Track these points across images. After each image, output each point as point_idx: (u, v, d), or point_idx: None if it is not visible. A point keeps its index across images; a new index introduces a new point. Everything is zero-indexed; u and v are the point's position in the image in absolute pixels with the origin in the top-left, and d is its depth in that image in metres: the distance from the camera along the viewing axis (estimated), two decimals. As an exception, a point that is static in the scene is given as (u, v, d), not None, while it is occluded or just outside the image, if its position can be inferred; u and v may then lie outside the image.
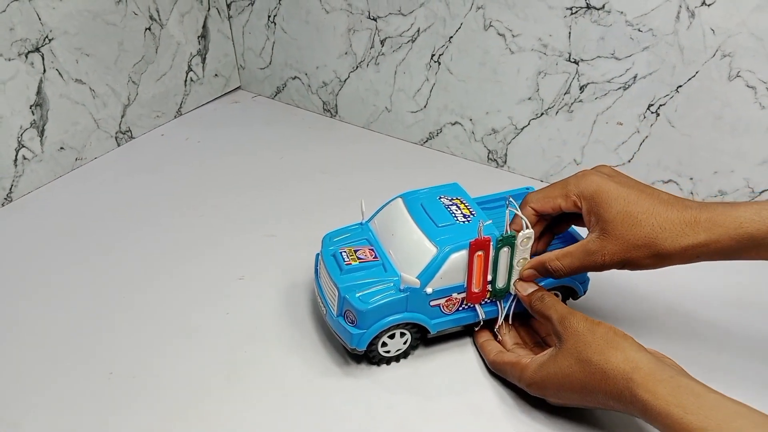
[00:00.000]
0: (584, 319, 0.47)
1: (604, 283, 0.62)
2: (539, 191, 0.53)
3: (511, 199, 0.51)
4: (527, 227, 0.51)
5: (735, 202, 0.46)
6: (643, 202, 0.47)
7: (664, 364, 0.43)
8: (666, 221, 0.46)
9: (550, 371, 0.47)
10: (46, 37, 0.75)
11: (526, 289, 0.52)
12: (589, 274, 0.57)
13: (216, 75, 0.97)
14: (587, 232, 0.50)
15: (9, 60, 0.72)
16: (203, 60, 0.94)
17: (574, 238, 0.57)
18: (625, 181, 0.50)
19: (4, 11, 0.70)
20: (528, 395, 0.51)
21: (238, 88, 1.01)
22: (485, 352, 0.54)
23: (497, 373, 0.53)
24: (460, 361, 0.55)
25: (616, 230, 0.47)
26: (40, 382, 0.54)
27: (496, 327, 0.55)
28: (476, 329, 0.56)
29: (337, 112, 0.93)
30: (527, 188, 0.61)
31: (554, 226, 0.55)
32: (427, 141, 0.86)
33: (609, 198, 0.48)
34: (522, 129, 0.77)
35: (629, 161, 0.72)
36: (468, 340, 0.57)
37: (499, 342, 0.55)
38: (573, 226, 0.57)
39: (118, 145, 0.87)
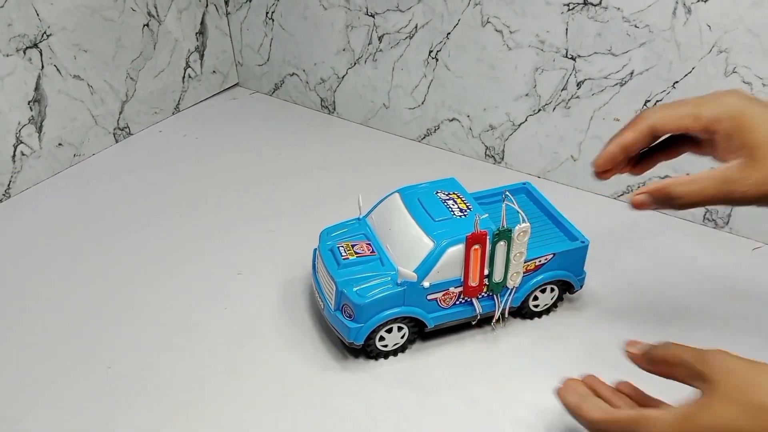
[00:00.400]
0: (733, 356, 0.37)
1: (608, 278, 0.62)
2: (664, 107, 0.46)
3: (508, 193, 0.52)
4: (524, 221, 0.51)
5: None
6: None
7: None
8: None
9: (701, 423, 0.36)
10: (44, 32, 0.75)
11: (637, 348, 0.42)
12: (590, 266, 0.57)
13: (214, 72, 0.97)
14: (717, 163, 0.44)
15: (7, 56, 0.72)
16: (201, 56, 0.94)
17: (572, 236, 0.57)
18: (763, 101, 0.43)
19: (2, 7, 0.70)
20: (526, 389, 0.51)
21: (236, 84, 1.02)
22: (585, 413, 0.42)
23: None
24: (458, 355, 0.55)
25: (767, 156, 0.40)
26: (39, 379, 0.54)
27: (494, 321, 0.55)
28: (559, 388, 0.46)
29: (334, 109, 0.93)
30: (524, 183, 0.62)
31: (656, 152, 0.48)
32: (424, 137, 0.86)
33: (755, 120, 0.41)
34: (519, 125, 0.78)
35: (626, 157, 0.72)
36: (465, 335, 0.57)
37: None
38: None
39: (116, 142, 0.87)
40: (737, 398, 0.35)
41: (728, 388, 0.36)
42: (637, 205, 0.46)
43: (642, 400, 0.44)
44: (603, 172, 0.49)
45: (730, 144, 0.42)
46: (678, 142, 0.48)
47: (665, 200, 0.44)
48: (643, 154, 0.49)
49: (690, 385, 0.38)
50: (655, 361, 0.41)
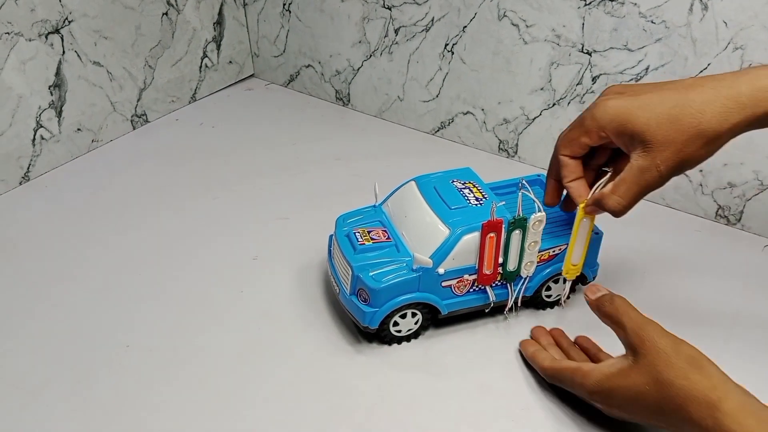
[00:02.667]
0: (665, 334, 0.43)
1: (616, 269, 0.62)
2: (562, 138, 0.50)
3: (524, 182, 0.52)
4: (539, 210, 0.52)
5: None
6: (669, 97, 0.44)
7: (751, 395, 0.40)
8: (704, 104, 0.42)
9: (619, 384, 0.44)
10: (66, 18, 0.76)
11: (595, 293, 0.48)
12: (600, 260, 0.58)
13: (230, 62, 0.98)
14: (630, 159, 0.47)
15: (30, 40, 0.73)
16: (218, 47, 0.95)
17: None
18: (640, 88, 0.46)
19: (25, -8, 0.71)
20: (536, 376, 0.52)
21: (252, 75, 1.03)
22: (538, 361, 0.51)
23: (553, 382, 0.50)
24: (470, 342, 0.56)
25: (657, 136, 0.44)
26: (58, 353, 0.55)
27: (506, 309, 0.56)
28: (522, 341, 0.54)
29: (349, 101, 0.94)
30: (539, 175, 0.62)
31: (609, 159, 0.52)
32: (438, 130, 0.87)
33: (632, 112, 0.45)
34: (533, 119, 0.78)
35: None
36: (477, 322, 0.58)
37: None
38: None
39: (134, 129, 0.88)
40: (652, 372, 0.42)
41: (648, 362, 0.42)
42: (589, 213, 0.51)
43: (594, 353, 0.52)
44: (564, 204, 0.56)
45: (624, 141, 0.46)
46: (603, 150, 0.51)
47: (604, 210, 0.49)
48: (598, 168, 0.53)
49: (624, 345, 0.45)
50: (604, 313, 0.47)
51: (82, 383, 0.53)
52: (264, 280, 0.63)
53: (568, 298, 0.59)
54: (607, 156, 0.52)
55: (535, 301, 0.58)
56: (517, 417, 0.50)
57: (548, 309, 0.59)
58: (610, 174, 0.50)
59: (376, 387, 0.52)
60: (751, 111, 0.42)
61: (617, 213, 0.48)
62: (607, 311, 0.46)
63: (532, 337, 0.56)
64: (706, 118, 0.43)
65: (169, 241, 0.69)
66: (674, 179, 0.70)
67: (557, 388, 0.51)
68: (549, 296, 0.58)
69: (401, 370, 0.54)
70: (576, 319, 0.58)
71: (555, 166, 0.52)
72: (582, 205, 0.51)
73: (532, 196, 0.52)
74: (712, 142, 0.43)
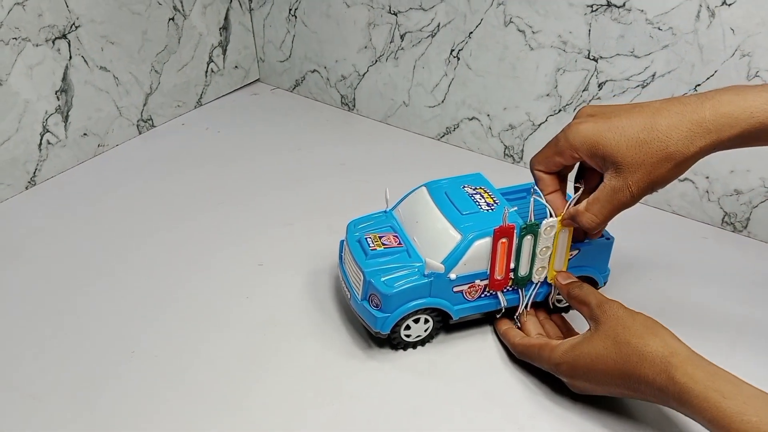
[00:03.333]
0: (623, 307, 0.48)
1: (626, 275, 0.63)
2: (538, 155, 0.52)
3: (536, 187, 0.52)
4: (551, 216, 0.52)
5: (739, 88, 0.45)
6: (637, 121, 0.46)
7: (699, 354, 0.43)
8: (670, 128, 0.45)
9: (583, 351, 0.47)
10: (73, 24, 0.76)
11: (566, 279, 0.53)
12: (611, 265, 0.58)
13: (236, 67, 0.98)
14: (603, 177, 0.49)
15: (37, 45, 0.73)
16: (224, 51, 0.95)
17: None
18: (611, 110, 0.48)
19: (33, -3, 0.71)
20: (544, 382, 0.52)
21: (257, 80, 1.03)
22: (509, 338, 0.54)
23: (522, 357, 0.53)
24: (480, 349, 0.56)
25: (627, 159, 0.46)
26: (64, 359, 0.55)
27: (517, 314, 0.56)
28: (497, 318, 0.57)
29: (354, 106, 0.94)
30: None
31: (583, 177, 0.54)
32: (444, 136, 0.87)
33: (602, 135, 0.47)
34: (539, 125, 0.78)
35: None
36: (488, 329, 0.58)
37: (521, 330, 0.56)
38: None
39: (140, 133, 0.88)
40: (611, 335, 0.46)
41: (608, 328, 0.46)
42: (565, 226, 0.53)
43: (566, 330, 0.56)
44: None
45: (596, 161, 0.48)
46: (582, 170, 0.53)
47: (579, 225, 0.51)
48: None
49: (588, 322, 0.49)
50: (572, 296, 0.52)
51: (88, 389, 0.53)
52: (270, 285, 0.63)
53: None
54: (589, 182, 0.54)
55: (546, 307, 0.58)
56: (523, 425, 0.50)
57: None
58: (582, 190, 0.51)
59: (386, 392, 0.52)
60: (715, 136, 0.44)
61: (591, 229, 0.51)
62: (575, 294, 0.51)
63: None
64: (673, 142, 0.45)
65: (174, 246, 0.69)
66: (680, 186, 0.71)
67: (566, 397, 0.51)
68: (560, 301, 0.58)
69: (410, 376, 0.54)
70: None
71: (537, 181, 0.54)
72: (559, 218, 0.52)
73: (544, 201, 0.52)
74: (680, 164, 0.46)
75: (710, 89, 0.46)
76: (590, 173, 0.52)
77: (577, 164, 0.53)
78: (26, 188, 0.77)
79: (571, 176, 0.55)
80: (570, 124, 0.50)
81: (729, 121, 0.44)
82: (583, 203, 0.50)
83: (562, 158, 0.50)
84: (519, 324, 0.56)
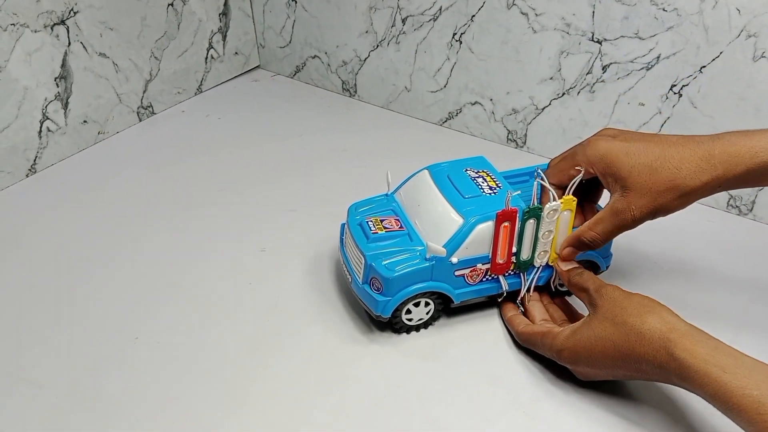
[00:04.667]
0: (619, 289, 0.48)
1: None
2: (552, 168, 0.54)
3: (539, 171, 0.52)
4: (554, 199, 0.51)
5: (748, 131, 0.47)
6: (652, 150, 0.48)
7: (699, 329, 0.43)
8: (681, 161, 0.47)
9: (583, 335, 0.47)
10: (72, 9, 0.75)
11: (566, 266, 0.54)
12: (612, 250, 0.58)
13: (236, 53, 0.97)
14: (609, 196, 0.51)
15: (35, 32, 0.72)
16: (224, 38, 0.94)
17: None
18: (630, 136, 0.51)
19: (31, -18, 0.70)
20: (548, 367, 0.52)
21: (258, 66, 1.02)
22: (513, 325, 0.54)
23: (526, 345, 0.53)
24: (482, 332, 0.56)
25: (636, 183, 0.48)
26: (67, 346, 0.55)
27: (519, 299, 0.56)
28: (502, 302, 0.56)
29: (356, 92, 0.93)
30: (551, 164, 0.62)
31: (586, 195, 0.56)
32: (446, 121, 0.86)
33: (619, 156, 0.49)
34: (543, 109, 0.78)
35: (650, 142, 0.72)
36: (490, 312, 0.57)
37: (525, 316, 0.55)
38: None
39: (140, 120, 0.88)
40: (609, 317, 0.46)
41: (606, 310, 0.47)
42: (565, 258, 0.54)
43: (570, 313, 0.56)
44: None
45: (607, 180, 0.50)
46: (591, 188, 0.55)
47: (583, 246, 0.53)
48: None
49: (587, 307, 0.50)
50: (572, 283, 0.52)
51: (92, 376, 0.52)
52: (272, 271, 0.63)
53: None
54: (594, 200, 0.57)
55: (548, 291, 0.57)
56: (528, 408, 0.50)
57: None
58: (582, 172, 0.52)
59: (388, 377, 0.52)
60: (721, 172, 0.46)
61: (594, 247, 0.53)
62: (575, 281, 0.52)
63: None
64: (681, 174, 0.47)
65: (175, 232, 0.68)
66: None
67: (568, 380, 0.51)
68: (562, 285, 0.57)
69: (413, 360, 0.53)
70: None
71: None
72: (562, 201, 0.52)
73: (547, 185, 0.52)
74: (685, 195, 0.48)
75: (723, 131, 0.48)
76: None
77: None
78: (26, 176, 0.77)
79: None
80: (590, 139, 0.52)
81: (735, 159, 0.46)
82: (587, 223, 0.52)
83: (575, 173, 0.52)
84: (523, 309, 0.56)
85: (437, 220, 0.52)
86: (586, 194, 0.55)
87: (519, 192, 0.52)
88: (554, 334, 0.50)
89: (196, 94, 0.94)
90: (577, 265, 0.54)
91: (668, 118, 0.70)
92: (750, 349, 0.41)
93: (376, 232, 0.53)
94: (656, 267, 0.63)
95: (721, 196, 0.70)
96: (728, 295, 0.60)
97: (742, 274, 0.62)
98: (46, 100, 0.76)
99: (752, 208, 0.69)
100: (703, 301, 0.59)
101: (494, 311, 0.58)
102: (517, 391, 0.51)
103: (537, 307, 0.56)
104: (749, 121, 0.65)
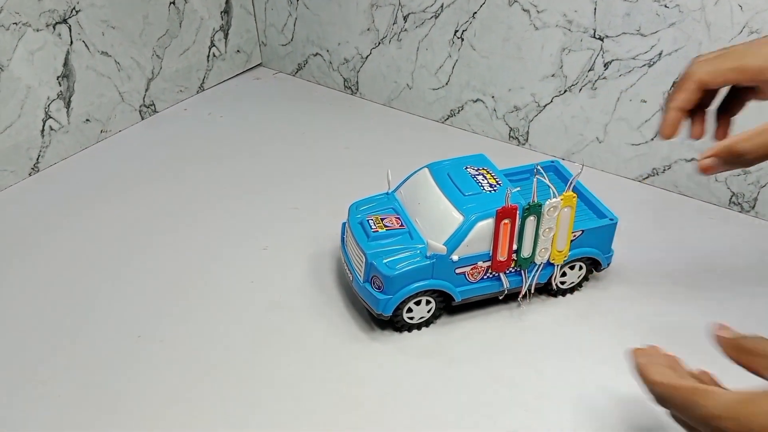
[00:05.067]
0: None
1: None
2: (710, 60, 0.48)
3: (539, 168, 0.52)
4: (555, 196, 0.51)
5: None
6: None
7: None
8: None
9: (764, 408, 0.35)
10: (74, 8, 0.75)
11: (729, 333, 0.40)
12: (613, 246, 0.57)
13: (238, 51, 0.98)
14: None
15: (37, 30, 0.73)
16: (226, 36, 0.95)
17: (601, 214, 0.57)
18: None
19: (33, -18, 0.71)
20: (549, 366, 0.52)
21: (260, 64, 1.02)
22: (648, 373, 0.41)
23: (662, 401, 0.40)
24: (484, 331, 0.56)
25: None
26: (70, 344, 0.55)
27: (520, 297, 0.56)
28: (634, 348, 0.44)
29: (358, 89, 0.93)
30: (552, 161, 0.62)
31: (724, 110, 0.51)
32: (448, 118, 0.86)
33: None
34: (545, 106, 0.78)
35: (652, 139, 0.72)
36: (491, 310, 0.57)
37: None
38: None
39: (142, 119, 0.88)
40: None
41: None
42: (705, 170, 0.45)
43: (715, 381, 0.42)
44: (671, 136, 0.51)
45: None
46: (738, 93, 0.50)
47: (732, 159, 0.44)
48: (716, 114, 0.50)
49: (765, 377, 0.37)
50: (743, 349, 0.39)
51: (95, 373, 0.53)
52: (274, 269, 0.63)
53: (581, 285, 0.59)
54: (734, 111, 0.51)
55: (549, 288, 0.57)
56: (530, 405, 0.50)
57: (561, 297, 0.59)
58: (581, 170, 0.50)
59: (389, 375, 0.52)
60: None
61: (741, 162, 0.44)
62: (749, 344, 0.39)
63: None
64: None
65: (178, 231, 0.69)
66: (686, 166, 0.70)
67: (570, 378, 0.51)
68: (564, 282, 0.57)
69: (414, 358, 0.53)
70: (588, 307, 0.58)
71: (681, 92, 0.49)
72: (562, 197, 0.51)
73: (547, 181, 0.52)
74: None
75: None
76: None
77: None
78: (29, 174, 0.77)
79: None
80: (756, 41, 0.47)
81: None
82: (743, 133, 0.44)
83: (738, 76, 0.47)
84: (522, 305, 0.56)
85: (438, 217, 0.52)
86: (724, 109, 0.51)
87: (519, 189, 0.52)
88: (712, 393, 0.37)
89: (198, 92, 0.94)
90: (737, 332, 0.40)
91: (698, 57, 0.69)
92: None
93: (377, 231, 0.53)
94: (657, 264, 0.63)
95: (724, 194, 0.70)
96: (730, 293, 0.60)
97: (743, 271, 0.62)
98: (48, 98, 0.76)
99: (754, 206, 0.69)
100: (704, 299, 0.59)
101: (495, 309, 0.58)
102: (520, 387, 0.51)
103: (664, 370, 0.42)
104: (752, 117, 0.65)
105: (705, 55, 0.49)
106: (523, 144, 0.81)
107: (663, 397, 0.40)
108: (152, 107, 0.89)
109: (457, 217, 0.51)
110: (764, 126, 0.43)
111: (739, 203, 0.70)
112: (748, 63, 0.46)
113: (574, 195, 0.52)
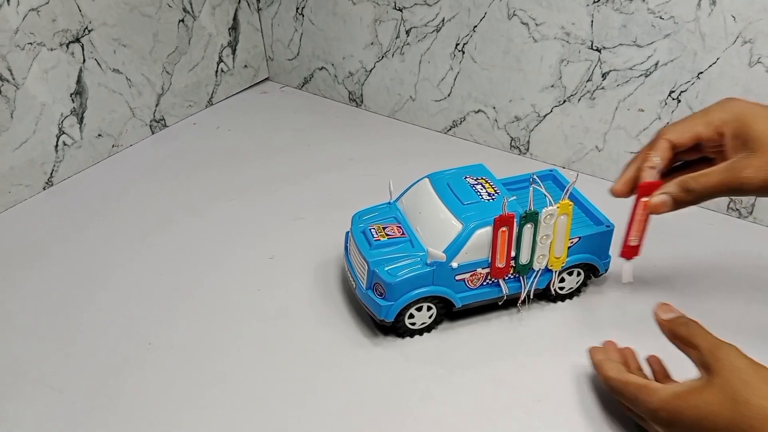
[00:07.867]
0: (743, 355, 0.41)
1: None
2: (677, 123, 0.51)
3: (535, 177, 0.53)
4: (551, 204, 0.52)
5: None
6: None
7: None
8: None
9: (690, 403, 0.40)
10: (86, 28, 0.78)
11: (667, 314, 0.46)
12: (610, 252, 0.59)
13: (245, 66, 1.00)
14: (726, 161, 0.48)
15: (51, 50, 0.75)
16: (233, 51, 0.97)
17: (598, 221, 0.58)
18: (760, 106, 0.48)
19: (47, 3, 0.73)
20: (549, 369, 0.53)
21: (267, 79, 1.04)
22: (604, 370, 0.48)
23: (614, 394, 0.47)
24: (483, 335, 0.57)
25: (765, 147, 0.45)
26: (84, 352, 0.57)
27: (519, 302, 0.57)
28: (592, 347, 0.52)
29: (362, 102, 0.95)
30: (551, 170, 0.63)
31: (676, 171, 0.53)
32: (450, 129, 0.88)
33: (756, 118, 0.47)
34: (545, 116, 0.79)
35: (650, 147, 0.73)
36: (491, 315, 0.59)
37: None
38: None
39: (153, 133, 0.90)
40: (728, 391, 0.39)
41: (724, 381, 0.39)
42: (656, 207, 0.50)
43: (661, 378, 0.49)
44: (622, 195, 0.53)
45: (735, 143, 0.47)
46: (693, 162, 0.52)
47: (681, 192, 0.49)
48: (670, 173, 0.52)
49: (697, 368, 0.42)
50: (676, 335, 0.45)
51: (107, 380, 0.54)
52: (280, 278, 0.65)
53: (579, 291, 0.60)
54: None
55: (548, 294, 0.59)
56: (530, 409, 0.51)
57: (560, 302, 0.60)
58: (576, 180, 0.53)
59: (392, 380, 0.53)
60: None
61: (687, 200, 0.49)
62: (680, 334, 0.44)
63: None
64: None
65: (187, 241, 0.70)
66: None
67: (569, 382, 0.52)
68: (562, 288, 0.59)
69: (416, 363, 0.55)
70: (586, 312, 0.59)
71: (643, 154, 0.52)
72: (558, 205, 0.52)
73: (544, 190, 0.53)
74: None
75: None
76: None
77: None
78: (44, 188, 0.79)
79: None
80: (725, 99, 0.50)
81: None
82: (696, 173, 0.49)
83: (705, 129, 0.49)
84: (520, 309, 0.57)
85: (438, 226, 0.54)
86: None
87: (515, 197, 0.53)
88: (652, 389, 0.43)
89: (207, 106, 0.97)
90: (680, 314, 0.46)
91: (668, 123, 0.71)
92: (749, 351, 0.41)
93: (379, 239, 0.54)
94: (656, 270, 0.64)
95: (722, 200, 0.71)
96: (728, 297, 0.60)
97: (741, 276, 0.63)
98: (62, 115, 0.78)
99: (752, 211, 0.70)
100: (702, 304, 0.60)
101: (495, 314, 0.59)
102: (520, 391, 0.52)
103: (617, 366, 0.49)
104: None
105: (673, 122, 0.52)
106: (524, 153, 0.83)
107: (615, 390, 0.47)
108: (162, 122, 0.91)
109: (456, 226, 0.53)
110: (709, 169, 0.48)
111: (737, 209, 0.71)
112: (713, 117, 0.49)
113: (570, 203, 0.53)
